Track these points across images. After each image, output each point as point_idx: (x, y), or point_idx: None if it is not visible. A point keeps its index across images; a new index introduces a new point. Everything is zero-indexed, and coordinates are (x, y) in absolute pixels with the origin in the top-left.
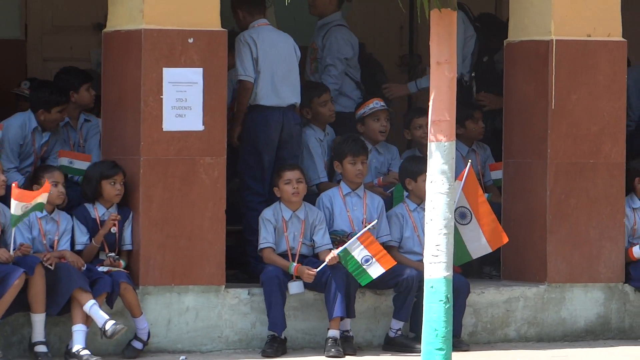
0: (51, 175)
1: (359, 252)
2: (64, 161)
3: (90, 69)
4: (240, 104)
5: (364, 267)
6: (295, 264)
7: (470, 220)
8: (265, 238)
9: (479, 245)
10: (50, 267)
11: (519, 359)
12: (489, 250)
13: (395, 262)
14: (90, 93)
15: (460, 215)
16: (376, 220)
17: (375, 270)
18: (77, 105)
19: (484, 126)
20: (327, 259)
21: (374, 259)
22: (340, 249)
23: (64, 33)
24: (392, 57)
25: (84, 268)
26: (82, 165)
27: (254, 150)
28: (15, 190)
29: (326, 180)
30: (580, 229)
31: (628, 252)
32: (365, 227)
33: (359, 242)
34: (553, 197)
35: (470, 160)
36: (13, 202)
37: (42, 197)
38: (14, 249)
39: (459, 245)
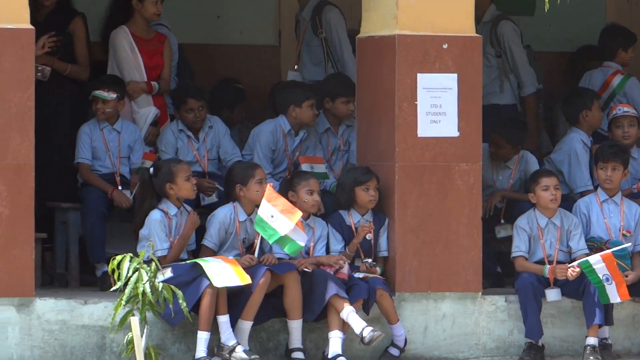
0: (307, 183)
1: (600, 269)
2: (306, 167)
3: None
4: None
5: (605, 284)
6: (549, 265)
7: None
8: (518, 247)
9: None
10: (307, 270)
11: None
12: None
13: (630, 298)
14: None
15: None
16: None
17: (613, 296)
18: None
19: None
20: (568, 267)
21: (613, 282)
22: (582, 260)
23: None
24: None
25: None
26: (322, 168)
27: None
28: (269, 190)
29: (591, 188)
30: None
31: None
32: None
33: (601, 259)
34: None
35: None
36: (263, 202)
37: (292, 231)
38: (259, 255)
39: None
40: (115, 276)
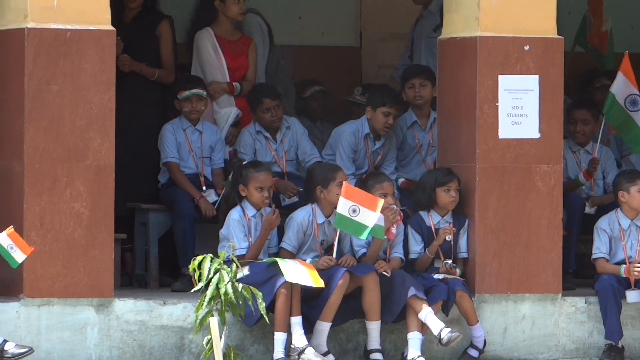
0: (380, 186)
1: None
2: None
3: None
4: None
5: None
6: (624, 265)
7: None
8: (599, 248)
9: None
10: (386, 274)
11: None
12: None
13: None
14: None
15: (632, 103)
16: None
17: None
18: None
19: None
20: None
21: None
22: None
23: (399, 40)
24: None
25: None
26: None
27: None
28: (345, 186)
29: None
30: None
31: None
32: None
33: None
34: None
35: None
36: (340, 199)
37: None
38: (337, 256)
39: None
40: (196, 276)
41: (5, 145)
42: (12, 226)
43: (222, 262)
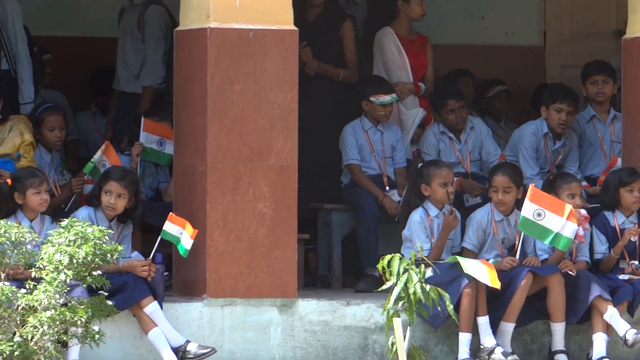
0: (568, 187)
1: None
2: None
3: None
4: None
5: None
6: None
7: None
8: None
9: None
10: (571, 273)
11: None
12: None
13: None
14: None
15: None
16: None
17: None
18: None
19: None
20: None
21: None
22: None
23: (583, 40)
24: None
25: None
26: None
27: None
28: (532, 189)
29: None
30: None
31: None
32: None
33: None
34: None
35: None
36: (526, 202)
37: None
38: (520, 257)
39: None
40: (387, 275)
41: (188, 145)
42: (172, 213)
43: (410, 262)
